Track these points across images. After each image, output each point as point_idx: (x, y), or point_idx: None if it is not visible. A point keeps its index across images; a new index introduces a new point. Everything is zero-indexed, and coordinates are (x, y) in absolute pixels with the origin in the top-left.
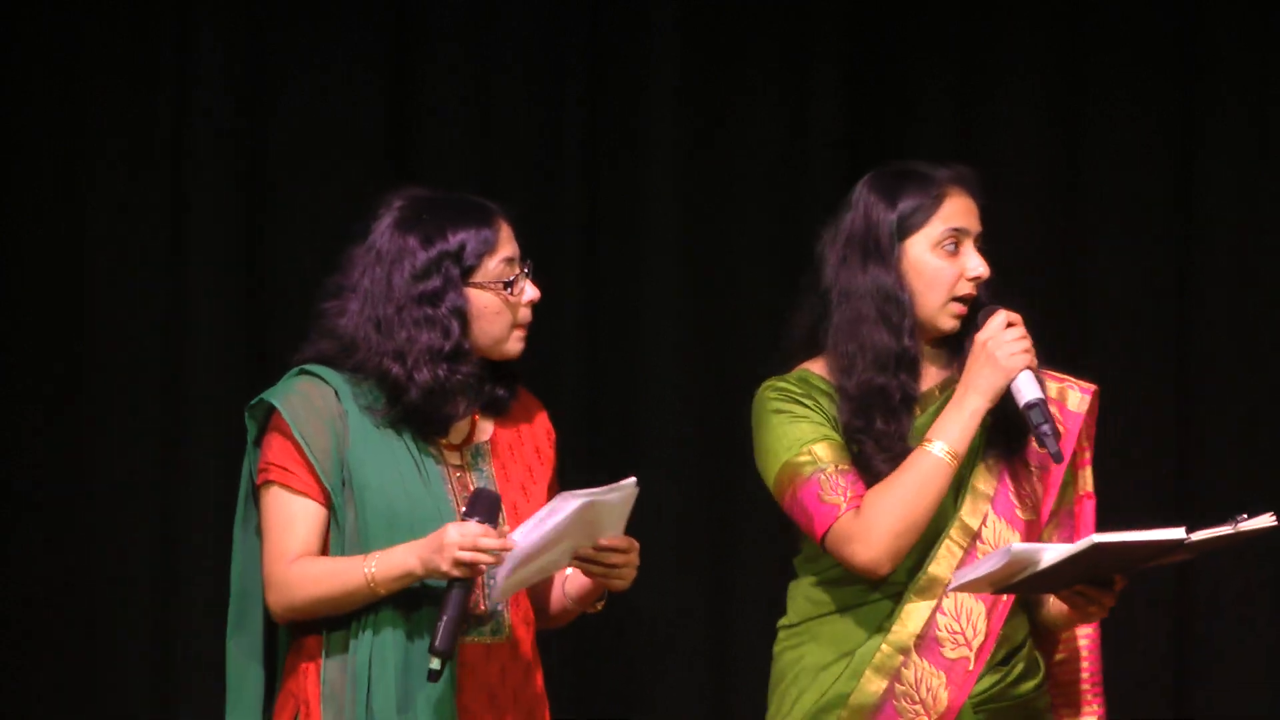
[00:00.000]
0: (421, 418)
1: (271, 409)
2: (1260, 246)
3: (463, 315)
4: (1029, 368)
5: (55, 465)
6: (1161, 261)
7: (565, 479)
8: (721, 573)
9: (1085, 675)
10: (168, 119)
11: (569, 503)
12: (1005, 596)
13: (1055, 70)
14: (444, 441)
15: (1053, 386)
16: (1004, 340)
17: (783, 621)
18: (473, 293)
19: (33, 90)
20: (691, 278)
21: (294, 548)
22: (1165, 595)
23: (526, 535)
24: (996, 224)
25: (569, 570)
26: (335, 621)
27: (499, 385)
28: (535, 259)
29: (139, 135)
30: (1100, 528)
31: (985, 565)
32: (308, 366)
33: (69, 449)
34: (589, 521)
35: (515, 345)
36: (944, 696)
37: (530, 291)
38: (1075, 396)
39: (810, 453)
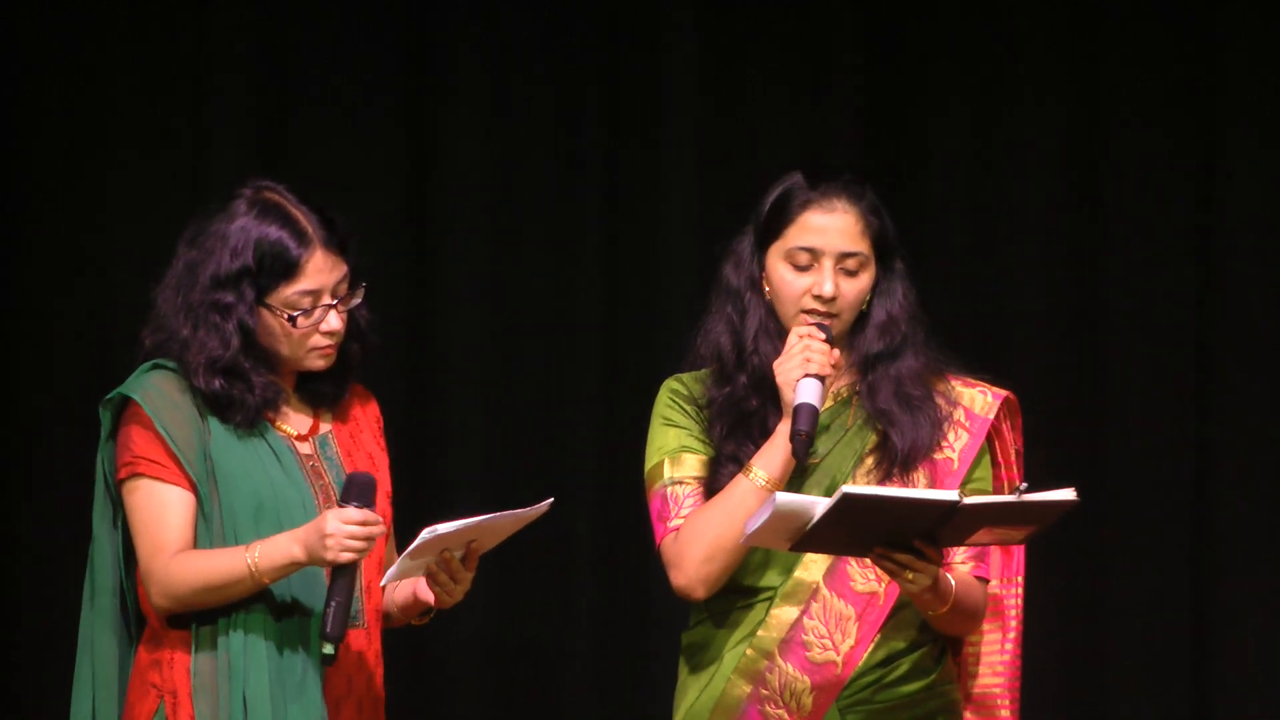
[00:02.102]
0: (211, 408)
1: (126, 403)
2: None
3: (248, 332)
4: (812, 375)
5: (59, 465)
6: (1180, 268)
7: (576, 475)
8: None
9: (969, 685)
10: (184, 118)
11: (487, 516)
12: (882, 601)
13: (1071, 78)
14: (293, 433)
15: (964, 393)
16: (786, 357)
17: (690, 624)
18: (265, 313)
19: (50, 91)
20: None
21: (171, 540)
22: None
23: (445, 527)
24: (1013, 232)
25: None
26: (202, 615)
27: (327, 383)
28: (556, 250)
29: (155, 136)
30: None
31: (758, 518)
32: (160, 361)
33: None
34: (488, 531)
35: (314, 362)
36: (809, 701)
37: (330, 323)
38: (981, 400)
39: (663, 466)
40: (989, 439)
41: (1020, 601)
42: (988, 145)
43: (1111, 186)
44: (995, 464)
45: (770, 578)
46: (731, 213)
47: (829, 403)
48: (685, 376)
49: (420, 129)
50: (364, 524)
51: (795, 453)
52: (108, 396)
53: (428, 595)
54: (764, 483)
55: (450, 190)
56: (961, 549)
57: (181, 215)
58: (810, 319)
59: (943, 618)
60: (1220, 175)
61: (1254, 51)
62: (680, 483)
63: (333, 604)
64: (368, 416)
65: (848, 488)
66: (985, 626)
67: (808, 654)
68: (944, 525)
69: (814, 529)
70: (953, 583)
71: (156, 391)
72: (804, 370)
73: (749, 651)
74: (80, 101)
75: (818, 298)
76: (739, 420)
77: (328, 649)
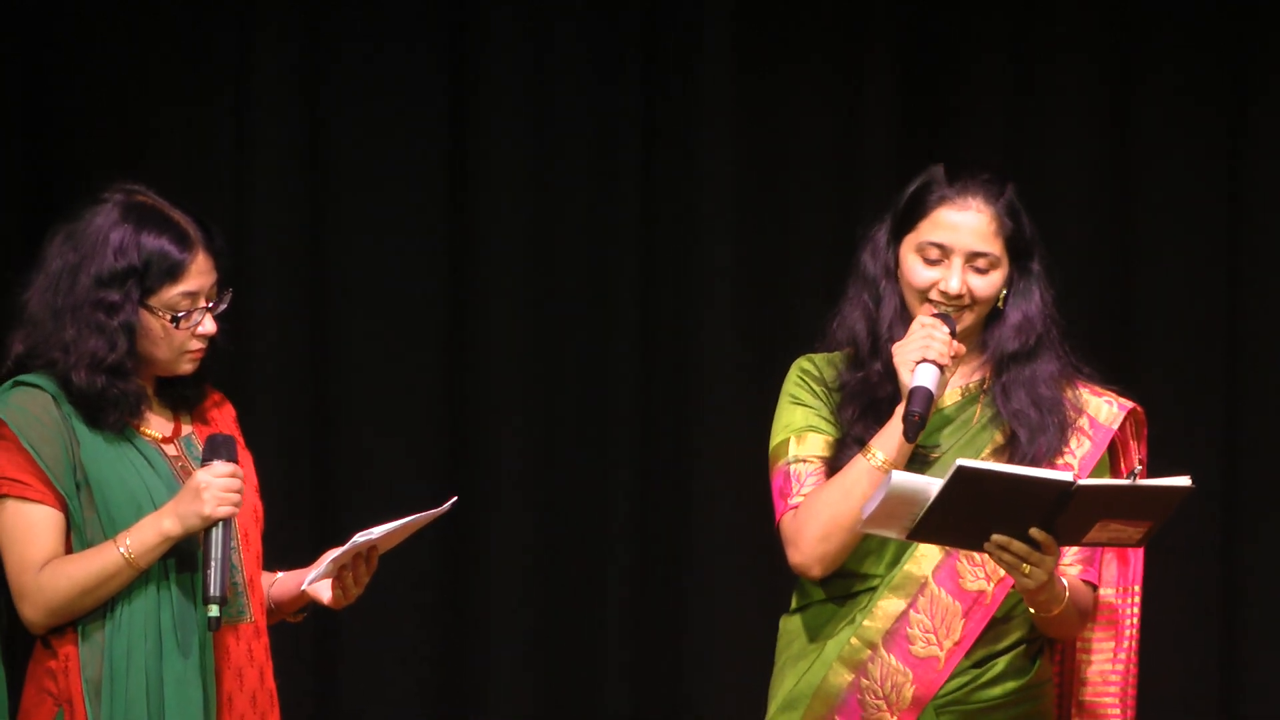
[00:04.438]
0: (83, 413)
1: None
2: None
3: (132, 332)
4: (930, 361)
5: None
6: (1211, 255)
7: (615, 463)
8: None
9: (1082, 694)
10: (226, 118)
11: (408, 518)
12: (989, 600)
13: (1104, 60)
14: (157, 436)
15: (1090, 401)
16: (908, 340)
17: (791, 608)
18: (145, 314)
19: (88, 92)
20: (746, 268)
21: (39, 556)
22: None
23: (376, 530)
24: (1047, 222)
25: (280, 574)
26: (87, 619)
27: (186, 387)
28: (593, 251)
29: (199, 152)
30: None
31: (874, 500)
32: (21, 378)
33: None
34: (401, 534)
35: (184, 367)
36: (908, 694)
37: (205, 326)
38: (1106, 410)
39: (788, 443)
40: (1111, 449)
41: (1137, 612)
42: (1023, 142)
43: (1143, 163)
44: (1116, 474)
45: (879, 566)
46: (763, 210)
47: (957, 396)
48: (817, 357)
49: (460, 132)
50: (234, 475)
51: (906, 434)
52: None
53: (320, 595)
54: (880, 463)
55: (489, 192)
56: (1071, 551)
57: (222, 217)
58: (935, 310)
59: (1053, 620)
60: (1248, 164)
61: None
62: (804, 461)
63: (211, 565)
64: (225, 418)
65: (962, 461)
66: (1098, 635)
67: (911, 647)
68: (1060, 514)
69: (929, 512)
70: (1066, 584)
71: (19, 409)
72: (922, 355)
73: (853, 640)
74: (119, 103)
75: (944, 293)
76: (870, 405)
77: (213, 610)
